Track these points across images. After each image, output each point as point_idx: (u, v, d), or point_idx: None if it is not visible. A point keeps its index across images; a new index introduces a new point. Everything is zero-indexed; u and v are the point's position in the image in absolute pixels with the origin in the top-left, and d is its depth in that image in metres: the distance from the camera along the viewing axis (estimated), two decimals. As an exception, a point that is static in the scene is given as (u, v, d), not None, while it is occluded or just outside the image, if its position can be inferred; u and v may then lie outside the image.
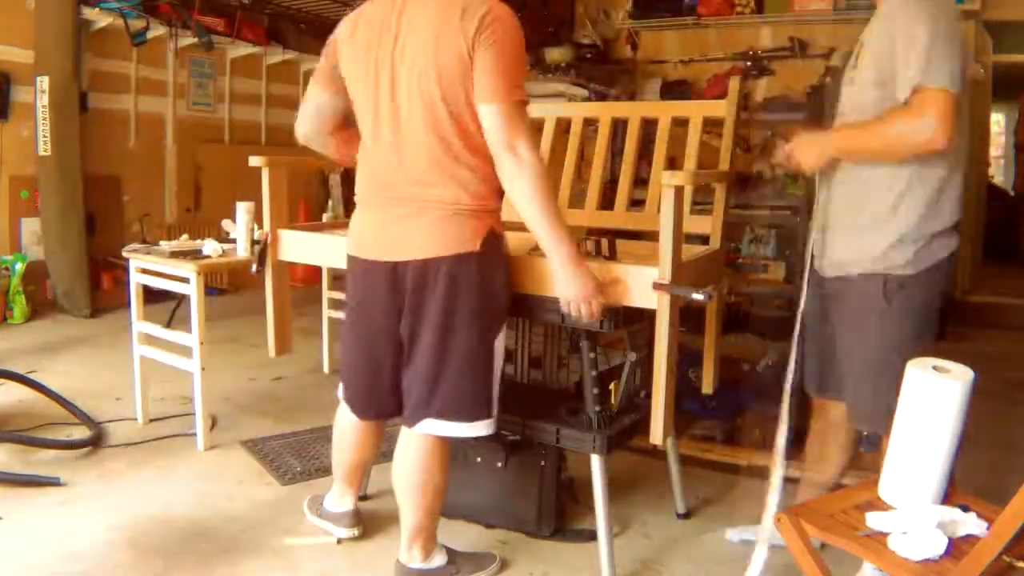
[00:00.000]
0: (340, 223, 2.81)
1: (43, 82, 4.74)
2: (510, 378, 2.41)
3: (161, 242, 3.12)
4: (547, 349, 2.35)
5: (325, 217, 3.93)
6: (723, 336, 2.46)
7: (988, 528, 1.43)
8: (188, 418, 3.04)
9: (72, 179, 4.87)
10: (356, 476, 2.28)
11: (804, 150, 1.95)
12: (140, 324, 3.05)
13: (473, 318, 1.84)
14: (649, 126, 2.47)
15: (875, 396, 1.89)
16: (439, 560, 2.03)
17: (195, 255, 2.87)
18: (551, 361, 2.35)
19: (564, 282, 1.79)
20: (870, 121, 1.84)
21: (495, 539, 2.31)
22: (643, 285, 1.83)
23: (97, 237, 5.14)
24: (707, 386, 2.38)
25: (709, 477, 2.75)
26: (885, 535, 1.49)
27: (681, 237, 1.85)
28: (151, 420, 3.13)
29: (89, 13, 4.95)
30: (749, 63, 5.61)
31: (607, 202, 2.48)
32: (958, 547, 1.43)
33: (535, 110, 2.59)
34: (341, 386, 2.14)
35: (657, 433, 1.89)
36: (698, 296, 1.79)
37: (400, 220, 1.84)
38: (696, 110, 2.36)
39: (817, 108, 2.22)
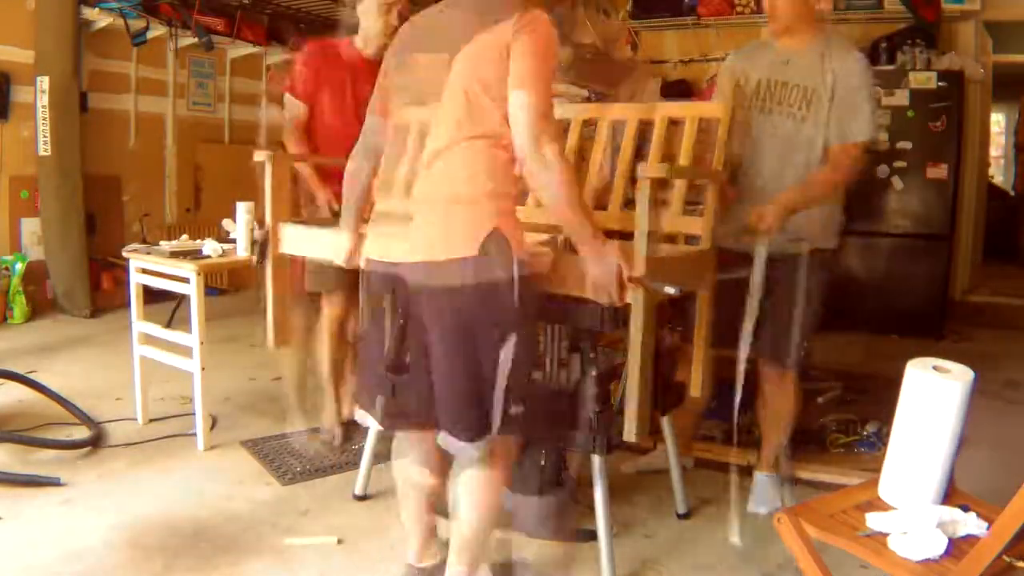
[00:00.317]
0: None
1: (43, 82, 4.74)
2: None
3: (161, 242, 3.12)
4: (547, 349, 2.35)
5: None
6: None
7: (988, 528, 1.43)
8: (188, 418, 3.04)
9: (72, 179, 4.87)
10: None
11: (767, 219, 2.24)
12: (140, 324, 3.05)
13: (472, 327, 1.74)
14: (649, 127, 2.46)
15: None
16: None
17: (195, 255, 2.87)
18: (551, 361, 2.35)
19: (592, 263, 1.75)
20: (819, 180, 2.33)
21: (495, 539, 2.31)
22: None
23: (97, 237, 5.14)
24: (695, 388, 2.30)
25: (709, 477, 2.75)
26: (885, 535, 1.49)
27: (657, 230, 1.86)
28: (151, 420, 3.13)
29: (89, 13, 4.95)
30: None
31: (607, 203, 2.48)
32: (958, 547, 1.43)
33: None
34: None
35: (630, 429, 1.86)
36: (670, 290, 1.79)
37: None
38: (691, 111, 2.36)
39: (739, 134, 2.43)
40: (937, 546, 1.43)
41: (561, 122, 2.51)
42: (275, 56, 6.23)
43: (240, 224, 2.93)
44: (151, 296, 3.15)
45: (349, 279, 2.63)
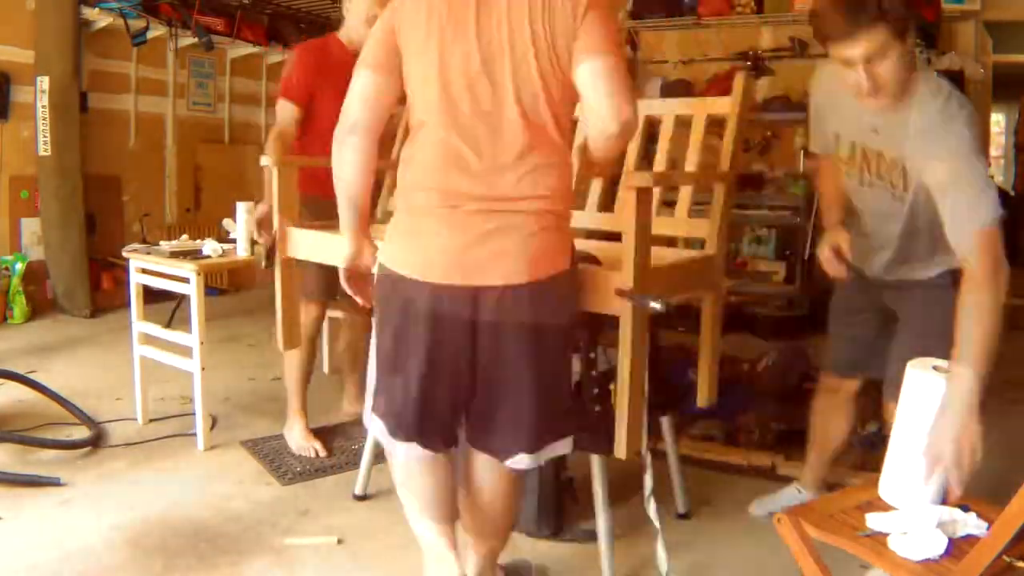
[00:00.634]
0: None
1: (43, 82, 4.74)
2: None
3: (161, 242, 3.12)
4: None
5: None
6: (722, 336, 2.44)
7: (988, 528, 1.43)
8: (188, 418, 3.04)
9: (72, 179, 4.87)
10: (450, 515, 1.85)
11: (970, 440, 1.60)
12: (140, 324, 3.05)
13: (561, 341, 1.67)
14: (650, 126, 2.44)
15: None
16: None
17: (195, 255, 2.87)
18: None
19: None
20: (979, 320, 1.68)
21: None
22: (608, 290, 1.75)
23: (97, 237, 5.14)
24: (703, 398, 2.26)
25: (709, 477, 2.75)
26: (885, 535, 1.49)
27: (648, 241, 1.75)
28: (151, 420, 3.13)
29: (89, 13, 4.95)
30: (749, 63, 5.60)
31: (609, 203, 2.46)
32: (958, 547, 1.43)
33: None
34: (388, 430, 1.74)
35: (620, 447, 1.81)
36: (655, 305, 1.65)
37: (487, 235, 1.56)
38: (700, 108, 2.28)
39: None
40: (937, 546, 1.43)
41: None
42: (275, 56, 6.22)
43: (240, 224, 2.93)
44: (151, 296, 3.15)
45: (331, 284, 2.62)
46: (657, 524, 2.06)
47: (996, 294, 1.67)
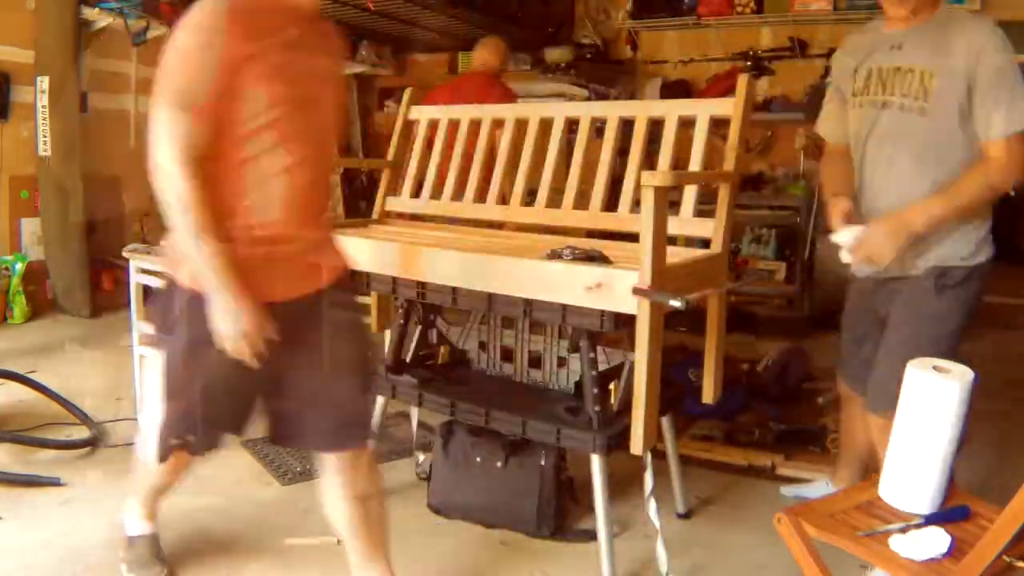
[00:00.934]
0: (343, 223, 2.82)
1: (43, 82, 4.74)
2: (509, 377, 2.41)
3: (161, 242, 3.11)
4: (547, 349, 2.35)
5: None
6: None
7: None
8: (188, 418, 3.04)
9: (72, 179, 4.86)
10: None
11: (879, 246, 1.93)
12: (140, 324, 3.05)
13: None
14: (653, 127, 2.43)
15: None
16: None
17: (195, 255, 2.87)
18: (551, 361, 2.35)
19: None
20: (956, 188, 1.90)
21: (495, 539, 2.31)
22: (624, 289, 1.77)
23: (97, 237, 5.13)
24: (708, 395, 2.26)
25: (709, 477, 2.75)
26: (886, 535, 1.49)
27: (663, 239, 1.78)
28: (151, 420, 3.13)
29: (89, 13, 4.94)
30: (749, 63, 5.61)
31: (612, 203, 2.46)
32: (959, 547, 1.43)
33: (538, 110, 2.59)
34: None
35: (638, 443, 1.84)
36: (675, 303, 1.70)
37: None
38: (703, 108, 2.28)
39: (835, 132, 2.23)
40: (938, 546, 1.43)
41: (543, 119, 2.49)
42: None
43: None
44: (151, 296, 3.15)
45: None
46: (657, 524, 2.06)
47: (998, 187, 1.90)
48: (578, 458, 2.28)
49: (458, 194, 2.66)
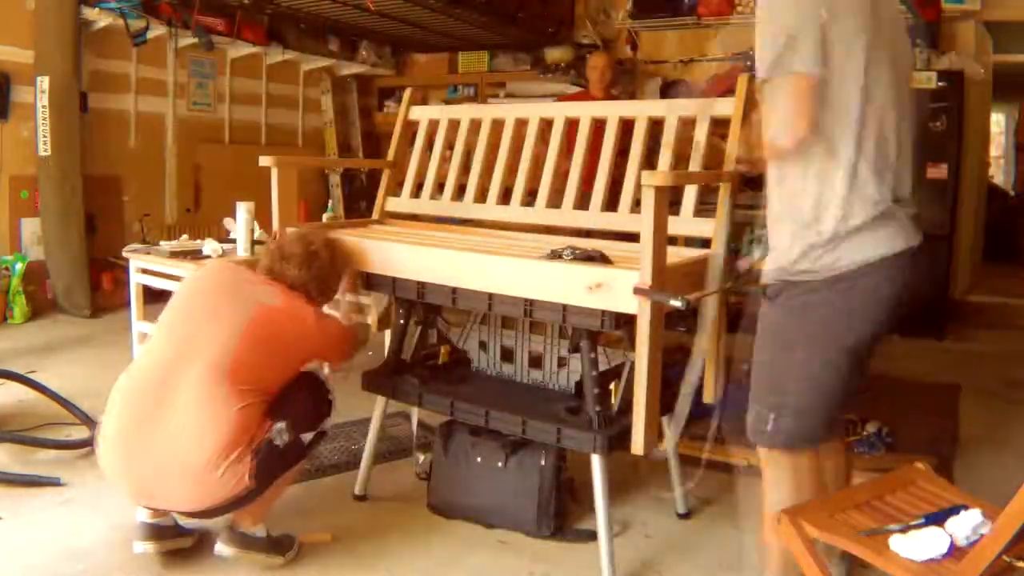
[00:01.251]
0: (343, 223, 2.82)
1: (43, 82, 4.74)
2: (510, 377, 2.41)
3: (161, 242, 3.12)
4: (547, 349, 2.35)
5: (325, 217, 3.93)
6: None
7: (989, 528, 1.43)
8: (188, 418, 3.04)
9: (72, 179, 4.86)
10: None
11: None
12: (140, 324, 3.05)
13: None
14: (653, 126, 2.43)
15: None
16: None
17: (195, 255, 2.87)
18: (551, 361, 2.35)
19: None
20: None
21: (495, 539, 2.31)
22: (624, 289, 1.78)
23: (97, 237, 5.14)
24: (709, 395, 2.27)
25: (709, 477, 2.74)
26: (886, 535, 1.49)
27: (664, 239, 1.79)
28: (151, 420, 3.13)
29: (89, 13, 4.95)
30: (749, 63, 5.60)
31: (611, 203, 2.46)
32: (959, 547, 1.43)
33: (539, 110, 2.59)
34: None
35: (638, 443, 1.85)
36: (675, 303, 1.70)
37: None
38: (703, 109, 2.27)
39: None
40: (938, 546, 1.43)
41: (544, 119, 2.49)
42: (275, 56, 6.22)
43: (240, 224, 2.93)
44: (151, 296, 3.15)
45: None
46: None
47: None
48: (578, 458, 2.28)
49: (458, 194, 2.66)
